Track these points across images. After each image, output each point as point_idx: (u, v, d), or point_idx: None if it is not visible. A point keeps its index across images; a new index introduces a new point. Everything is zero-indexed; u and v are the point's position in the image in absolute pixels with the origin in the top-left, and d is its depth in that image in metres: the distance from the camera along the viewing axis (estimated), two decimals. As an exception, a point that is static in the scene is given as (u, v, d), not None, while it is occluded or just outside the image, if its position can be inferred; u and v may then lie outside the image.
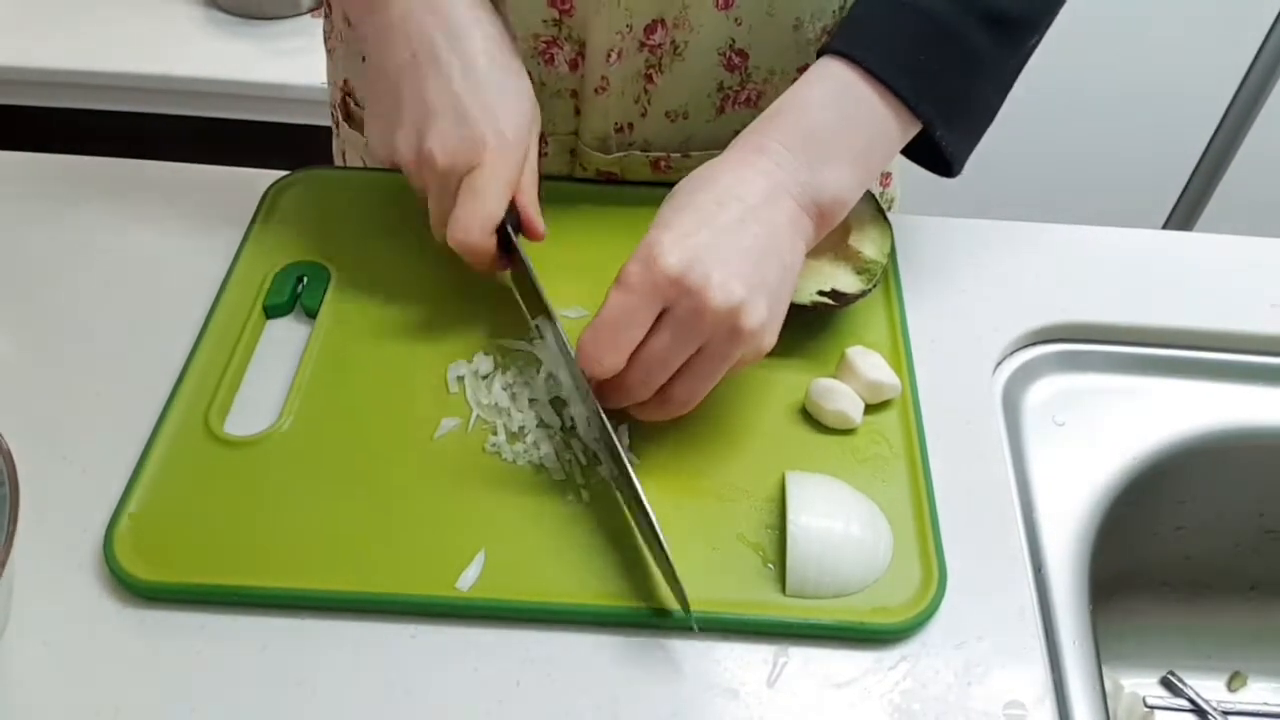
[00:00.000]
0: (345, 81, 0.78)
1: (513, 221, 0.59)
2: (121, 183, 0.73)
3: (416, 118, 0.57)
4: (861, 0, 0.57)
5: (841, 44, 0.55)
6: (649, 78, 0.68)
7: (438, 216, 0.60)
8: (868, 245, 0.62)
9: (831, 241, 0.63)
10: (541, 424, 0.57)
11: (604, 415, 0.53)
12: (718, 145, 0.59)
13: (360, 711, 0.48)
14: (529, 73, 0.67)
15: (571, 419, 0.58)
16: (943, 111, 0.56)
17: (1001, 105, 0.59)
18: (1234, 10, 1.45)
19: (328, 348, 0.61)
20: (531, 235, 0.60)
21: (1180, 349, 0.67)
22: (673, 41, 0.66)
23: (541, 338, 0.61)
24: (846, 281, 0.61)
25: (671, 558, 0.49)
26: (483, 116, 0.57)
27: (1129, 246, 0.72)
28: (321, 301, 0.64)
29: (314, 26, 1.46)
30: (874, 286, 0.61)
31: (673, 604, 0.50)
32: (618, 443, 0.52)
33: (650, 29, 0.65)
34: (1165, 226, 1.72)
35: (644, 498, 0.50)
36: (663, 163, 0.72)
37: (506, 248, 0.59)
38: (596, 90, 0.68)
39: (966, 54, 0.56)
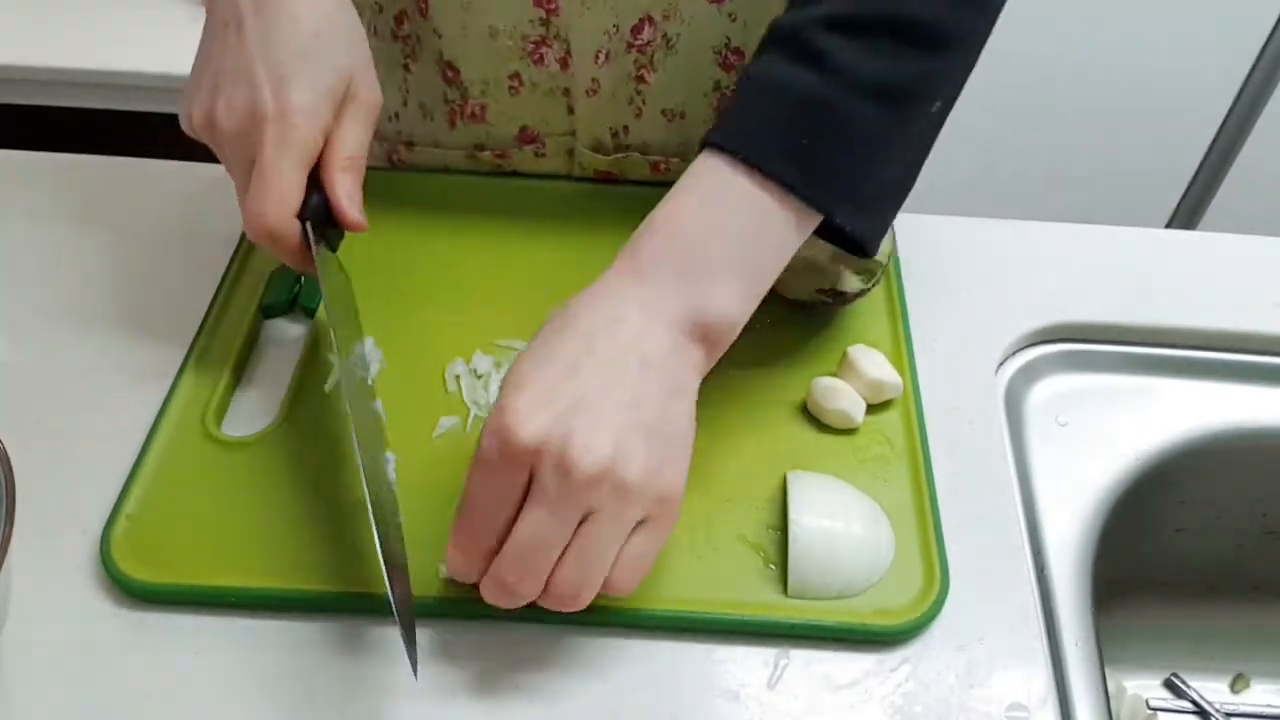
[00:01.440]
0: None
1: (326, 210, 0.54)
2: (121, 183, 0.73)
3: (211, 85, 0.53)
4: (737, 89, 0.52)
5: (717, 136, 0.49)
6: (640, 78, 0.67)
7: (240, 201, 0.54)
8: None
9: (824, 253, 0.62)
10: None
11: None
12: None
13: (359, 712, 0.48)
14: (518, 73, 0.66)
15: None
16: (839, 194, 0.50)
17: (915, 178, 0.54)
18: (1236, 10, 1.45)
19: (326, 348, 0.61)
20: (345, 223, 0.55)
21: (1183, 349, 0.67)
22: (664, 36, 0.65)
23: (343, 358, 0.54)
24: (847, 280, 0.61)
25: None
26: (269, 80, 0.52)
27: (1132, 246, 0.72)
28: (319, 301, 0.63)
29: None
30: (874, 285, 0.61)
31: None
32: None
33: (637, 28, 0.65)
34: (1168, 226, 1.72)
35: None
36: (663, 165, 0.72)
37: (320, 240, 0.54)
38: (588, 92, 0.67)
39: (855, 131, 0.50)
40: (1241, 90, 1.54)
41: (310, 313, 0.63)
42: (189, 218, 0.70)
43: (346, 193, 0.54)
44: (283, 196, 0.52)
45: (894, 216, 0.54)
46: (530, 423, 0.43)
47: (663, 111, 0.69)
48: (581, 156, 0.71)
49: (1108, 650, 0.59)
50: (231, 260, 0.66)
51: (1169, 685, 0.76)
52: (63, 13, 1.43)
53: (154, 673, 0.49)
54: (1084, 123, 1.59)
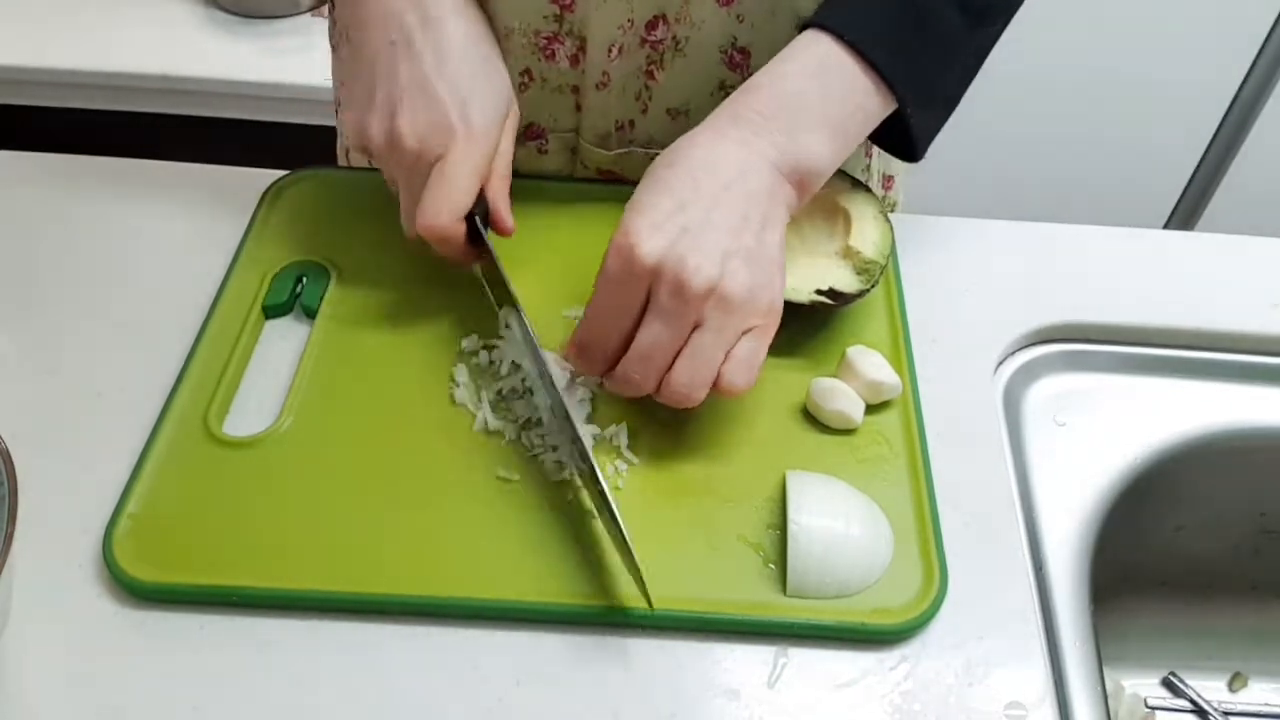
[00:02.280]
0: None
1: (481, 213, 0.60)
2: (121, 183, 0.73)
3: (388, 101, 0.58)
4: None
5: (823, 18, 0.56)
6: (650, 74, 0.68)
7: (407, 204, 0.60)
8: (868, 245, 0.62)
9: (832, 241, 0.63)
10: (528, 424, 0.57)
11: (566, 404, 0.54)
12: None
13: (360, 712, 0.48)
14: (529, 69, 0.67)
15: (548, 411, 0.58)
16: (916, 92, 0.57)
17: (962, 96, 0.61)
18: (1235, 10, 1.45)
19: (327, 348, 0.61)
20: (499, 229, 0.61)
21: (1181, 349, 0.67)
22: (674, 37, 0.66)
23: (509, 328, 0.61)
24: (846, 281, 0.61)
25: (635, 553, 0.49)
26: (453, 102, 0.58)
27: (1130, 246, 0.72)
28: (321, 301, 0.64)
29: (314, 26, 1.46)
30: (873, 286, 0.61)
31: (638, 601, 0.50)
32: (582, 432, 0.53)
33: (651, 24, 0.65)
34: (1166, 226, 1.72)
35: (606, 488, 0.50)
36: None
37: (476, 239, 0.60)
38: (598, 86, 0.68)
39: (942, 36, 0.57)
40: (1239, 91, 1.54)
41: (311, 313, 0.63)
42: (189, 218, 0.70)
43: (505, 201, 0.61)
44: (458, 203, 0.57)
45: (940, 127, 0.61)
46: (648, 243, 0.51)
47: (668, 110, 0.70)
48: (584, 153, 0.72)
49: (1106, 649, 0.59)
50: (233, 260, 0.66)
51: (1167, 684, 0.76)
52: (63, 13, 1.43)
53: (156, 672, 0.49)
54: (1082, 123, 1.59)
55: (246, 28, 1.44)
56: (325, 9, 1.49)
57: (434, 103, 0.57)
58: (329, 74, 0.82)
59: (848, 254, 0.62)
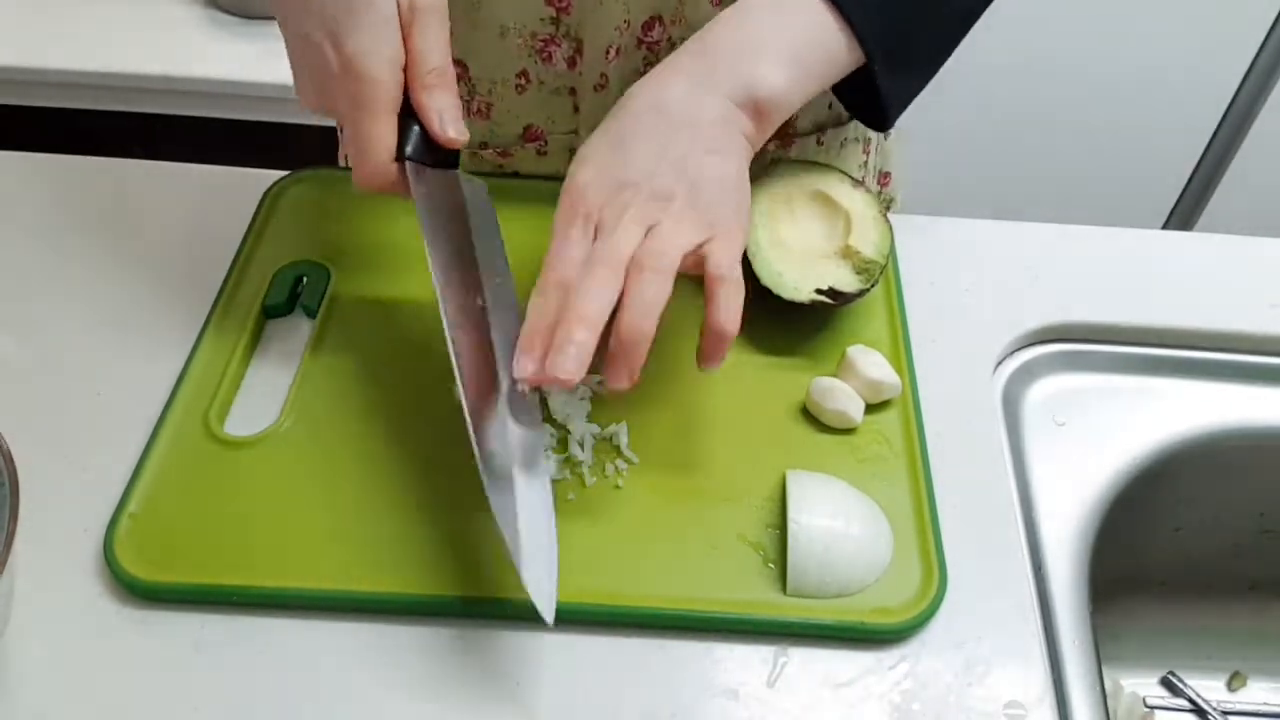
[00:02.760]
0: None
1: (419, 141, 0.54)
2: (121, 183, 0.73)
3: (297, 62, 0.54)
4: None
5: None
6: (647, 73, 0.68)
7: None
8: (867, 245, 0.62)
9: (832, 241, 0.63)
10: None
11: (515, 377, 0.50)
12: None
13: (360, 712, 0.48)
14: (526, 70, 0.67)
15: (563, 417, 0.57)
16: (886, 48, 0.56)
17: (941, 63, 0.60)
18: (1234, 10, 1.45)
19: (327, 348, 0.61)
20: (442, 144, 0.54)
21: (1180, 349, 0.67)
22: (670, 39, 0.66)
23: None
24: (845, 280, 0.61)
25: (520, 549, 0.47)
26: (327, 38, 0.51)
27: (1129, 246, 0.72)
28: (321, 301, 0.64)
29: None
30: (872, 286, 0.61)
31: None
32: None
33: (648, 26, 0.65)
34: (1165, 226, 1.72)
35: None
36: None
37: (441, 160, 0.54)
38: (596, 88, 0.68)
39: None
40: (1238, 91, 1.54)
41: (311, 313, 0.63)
42: (190, 218, 0.70)
43: (437, 111, 0.53)
44: (374, 149, 0.52)
45: (914, 95, 0.59)
46: (583, 173, 0.51)
47: None
48: None
49: (1105, 649, 0.60)
50: (234, 260, 0.66)
51: (1166, 683, 0.77)
52: (63, 13, 1.43)
53: (157, 671, 0.49)
54: (1081, 124, 1.59)
55: (246, 28, 1.44)
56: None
57: (313, 49, 0.52)
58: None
59: (847, 253, 0.62)
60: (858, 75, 0.57)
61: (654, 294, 0.49)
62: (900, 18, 0.56)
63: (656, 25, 0.65)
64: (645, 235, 0.50)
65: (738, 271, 0.51)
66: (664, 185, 0.51)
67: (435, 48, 0.53)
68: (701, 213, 0.51)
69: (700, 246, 0.51)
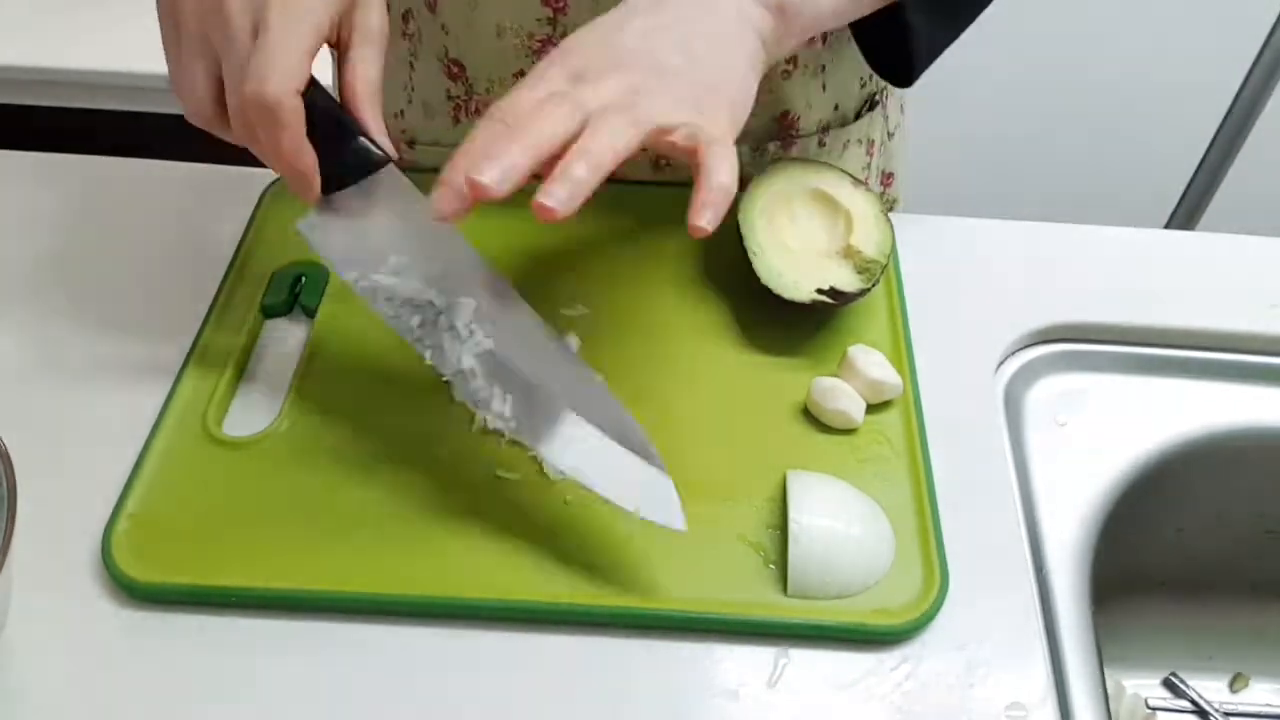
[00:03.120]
0: None
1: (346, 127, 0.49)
2: (121, 183, 0.73)
3: None
4: None
5: None
6: None
7: (225, 73, 0.48)
8: (868, 244, 0.62)
9: (833, 240, 0.63)
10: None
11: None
12: None
13: (360, 712, 0.48)
14: (523, 71, 0.66)
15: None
16: None
17: (970, 22, 0.58)
18: (1236, 10, 1.45)
19: (327, 347, 0.61)
20: (384, 151, 0.50)
21: (1182, 349, 0.67)
22: None
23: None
24: (846, 280, 0.61)
25: None
26: None
27: (1131, 246, 0.72)
28: (320, 301, 0.63)
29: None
30: (874, 285, 0.61)
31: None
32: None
33: None
34: (1167, 226, 1.72)
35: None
36: (663, 161, 0.72)
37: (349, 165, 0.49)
38: None
39: None
40: (1240, 91, 1.54)
41: (311, 313, 0.63)
42: (189, 218, 0.70)
43: (375, 125, 0.50)
44: (288, 70, 0.46)
45: (942, 48, 0.57)
46: (577, 42, 0.47)
47: None
48: None
49: (1107, 649, 0.59)
50: (232, 260, 0.66)
51: (1168, 684, 0.76)
52: (63, 13, 1.43)
53: (155, 673, 0.49)
54: (1083, 123, 1.59)
55: (246, 28, 1.43)
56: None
57: None
58: (329, 74, 0.82)
59: (849, 253, 0.62)
60: (886, 23, 0.54)
61: (615, 140, 0.44)
62: None
63: None
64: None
65: (729, 141, 0.47)
66: (661, 57, 0.47)
67: (373, 64, 0.51)
68: (696, 91, 0.47)
69: (684, 126, 0.46)
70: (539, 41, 0.66)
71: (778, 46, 0.52)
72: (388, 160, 0.51)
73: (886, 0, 0.55)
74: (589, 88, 0.46)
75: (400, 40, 0.70)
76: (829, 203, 0.64)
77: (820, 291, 0.60)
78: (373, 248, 0.51)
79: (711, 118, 0.47)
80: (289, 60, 0.46)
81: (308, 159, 0.48)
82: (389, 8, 0.68)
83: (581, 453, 0.49)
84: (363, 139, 0.50)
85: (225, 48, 0.48)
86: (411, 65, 0.70)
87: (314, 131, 0.48)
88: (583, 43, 0.48)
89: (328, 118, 0.49)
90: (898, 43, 0.56)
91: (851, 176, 0.65)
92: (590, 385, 0.51)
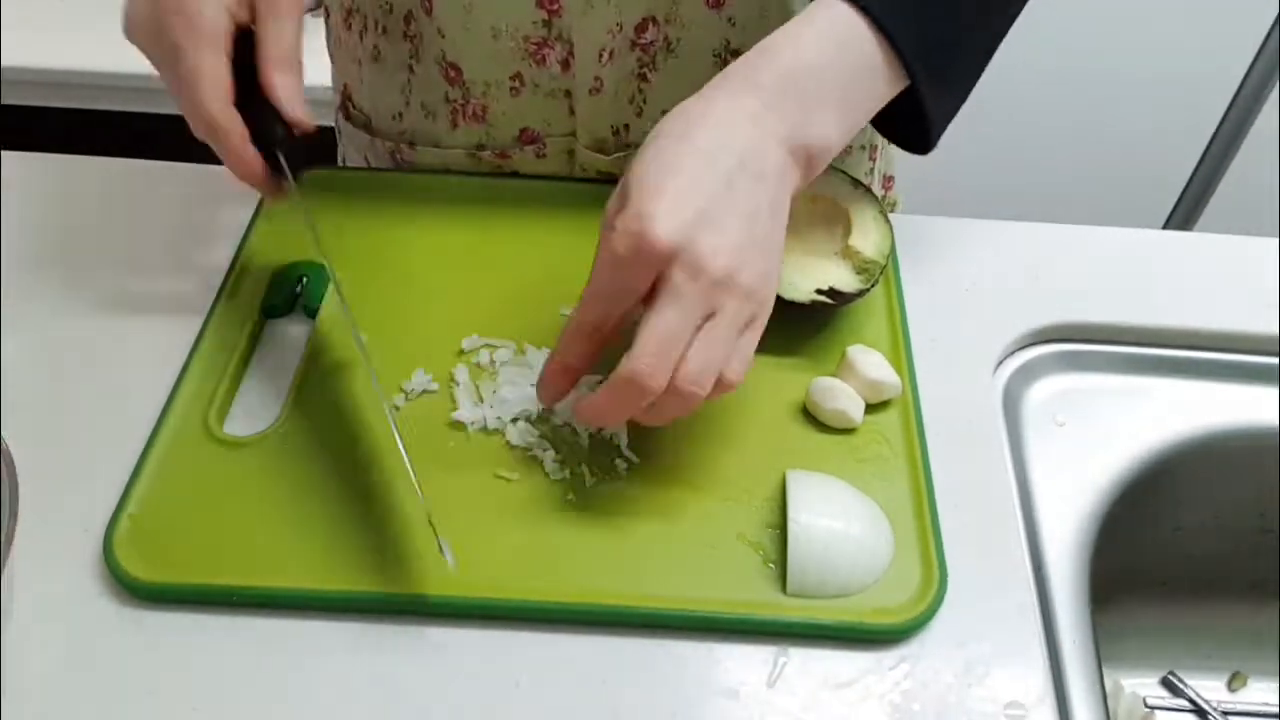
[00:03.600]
0: (345, 85, 0.78)
1: (284, 147, 0.54)
2: (121, 183, 0.73)
3: None
4: None
5: None
6: (642, 77, 0.68)
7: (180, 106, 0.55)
8: (868, 245, 0.62)
9: (832, 241, 0.63)
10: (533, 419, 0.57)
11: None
12: None
13: (360, 712, 0.48)
14: (520, 73, 0.67)
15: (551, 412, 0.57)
16: (931, 69, 0.54)
17: (980, 74, 0.58)
18: (1235, 9, 1.45)
19: (327, 348, 0.61)
20: (289, 121, 0.54)
21: (1180, 349, 0.67)
22: (665, 39, 0.66)
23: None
24: (845, 280, 0.61)
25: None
26: None
27: (1129, 246, 0.72)
28: (321, 301, 0.64)
29: (313, 26, 1.45)
30: (873, 286, 0.61)
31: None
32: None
33: (641, 27, 0.65)
34: (1166, 226, 1.72)
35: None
36: None
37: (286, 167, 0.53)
38: (591, 91, 0.67)
39: (959, 12, 0.55)
40: (1239, 91, 1.54)
41: (311, 313, 0.63)
42: (189, 218, 0.70)
43: (284, 92, 0.53)
44: (212, 82, 0.51)
45: (953, 114, 0.58)
46: (664, 224, 0.47)
47: (663, 111, 0.69)
48: (582, 157, 0.72)
49: (1105, 649, 0.59)
50: (233, 260, 0.66)
51: (1166, 684, 0.77)
52: (63, 13, 1.44)
53: (156, 672, 0.49)
54: (1082, 123, 1.59)
55: (246, 28, 1.44)
56: (323, 9, 1.49)
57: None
58: (328, 74, 0.82)
59: (848, 254, 0.62)
60: (898, 100, 0.55)
61: (694, 405, 0.50)
62: (943, 37, 0.55)
63: (650, 26, 0.65)
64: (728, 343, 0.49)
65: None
66: (750, 280, 0.49)
67: (282, 37, 0.53)
68: (763, 286, 0.50)
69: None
70: (534, 44, 0.66)
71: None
72: (296, 137, 0.54)
73: (892, 96, 0.55)
74: (703, 363, 0.49)
75: (401, 42, 0.70)
76: (828, 204, 0.64)
77: (820, 292, 0.60)
78: None
79: (769, 309, 0.51)
80: (210, 76, 0.52)
81: (249, 166, 0.54)
82: (391, 9, 0.68)
83: None
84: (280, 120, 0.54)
85: (164, 78, 0.54)
86: (411, 68, 0.71)
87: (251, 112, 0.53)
88: (679, 257, 0.48)
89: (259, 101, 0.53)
90: (913, 118, 0.56)
91: (851, 178, 0.65)
92: None
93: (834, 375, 0.60)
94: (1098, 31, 1.48)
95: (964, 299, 0.67)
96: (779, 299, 0.60)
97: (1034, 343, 0.66)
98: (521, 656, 0.50)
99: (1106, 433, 0.63)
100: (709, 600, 0.51)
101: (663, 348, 0.48)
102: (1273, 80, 1.51)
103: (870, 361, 0.59)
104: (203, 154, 0.66)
